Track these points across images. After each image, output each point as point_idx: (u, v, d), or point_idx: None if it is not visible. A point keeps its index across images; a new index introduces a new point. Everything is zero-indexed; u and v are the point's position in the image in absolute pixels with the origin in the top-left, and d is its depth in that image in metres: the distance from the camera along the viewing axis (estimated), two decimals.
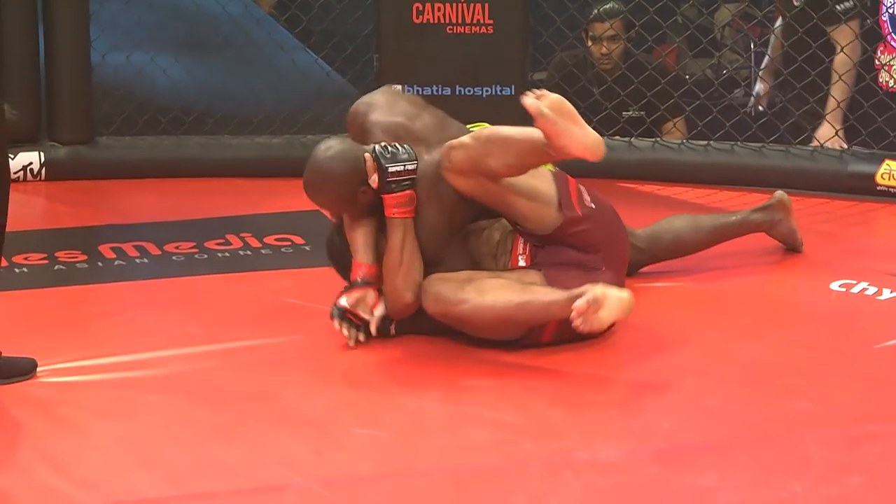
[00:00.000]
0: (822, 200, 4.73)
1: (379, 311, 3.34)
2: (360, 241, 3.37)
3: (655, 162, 5.01)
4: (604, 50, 5.14)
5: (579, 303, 3.07)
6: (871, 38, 4.97)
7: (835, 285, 3.75)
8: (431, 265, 3.34)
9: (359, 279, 3.34)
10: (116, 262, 4.06)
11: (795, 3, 4.94)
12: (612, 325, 3.25)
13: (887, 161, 4.76)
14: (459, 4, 4.92)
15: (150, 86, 5.28)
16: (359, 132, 3.44)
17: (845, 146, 4.84)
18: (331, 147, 3.34)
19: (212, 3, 5.41)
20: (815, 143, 4.89)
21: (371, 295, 3.34)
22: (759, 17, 5.51)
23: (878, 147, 4.85)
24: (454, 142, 3.26)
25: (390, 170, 3.25)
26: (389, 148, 3.28)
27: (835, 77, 4.90)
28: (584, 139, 3.15)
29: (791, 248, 4.01)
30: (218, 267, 4.03)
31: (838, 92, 4.89)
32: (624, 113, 5.17)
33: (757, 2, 5.66)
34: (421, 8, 4.95)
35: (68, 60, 5.07)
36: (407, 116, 3.45)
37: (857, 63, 4.87)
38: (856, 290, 3.73)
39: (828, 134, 4.90)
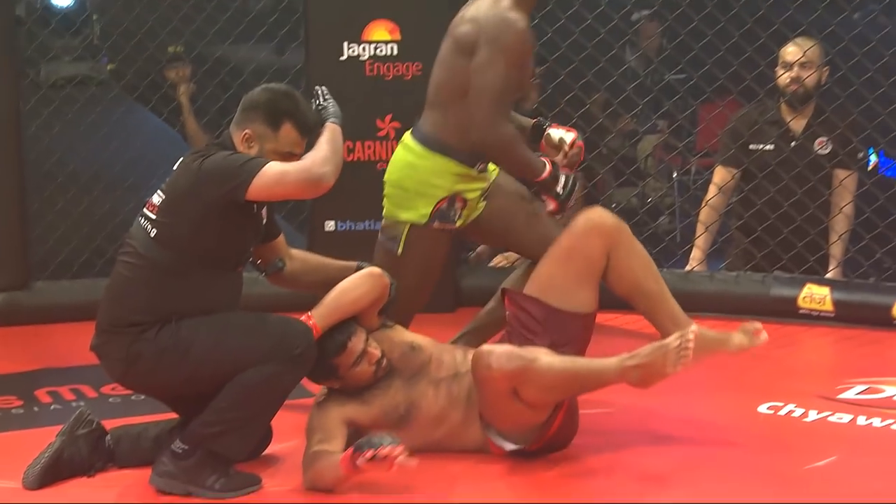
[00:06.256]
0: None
1: None
2: (329, 302, 3.41)
3: None
4: None
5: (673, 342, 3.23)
6: None
7: (762, 408, 3.81)
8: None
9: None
10: (53, 407, 4.03)
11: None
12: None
13: (809, 285, 4.87)
14: (389, 142, 5.00)
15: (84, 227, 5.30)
16: None
17: None
18: None
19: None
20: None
21: None
22: (679, 148, 5.64)
23: (798, 272, 4.96)
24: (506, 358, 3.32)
25: None
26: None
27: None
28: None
29: None
30: (155, 408, 3.99)
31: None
32: None
33: (678, 132, 5.80)
34: (351, 146, 5.03)
35: (2, 207, 5.05)
36: None
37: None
38: (783, 412, 3.79)
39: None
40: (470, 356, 3.49)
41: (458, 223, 3.78)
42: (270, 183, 3.19)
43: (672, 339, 3.27)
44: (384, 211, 3.85)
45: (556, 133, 3.91)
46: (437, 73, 3.75)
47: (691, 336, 3.24)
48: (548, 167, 3.70)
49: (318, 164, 3.22)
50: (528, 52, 3.69)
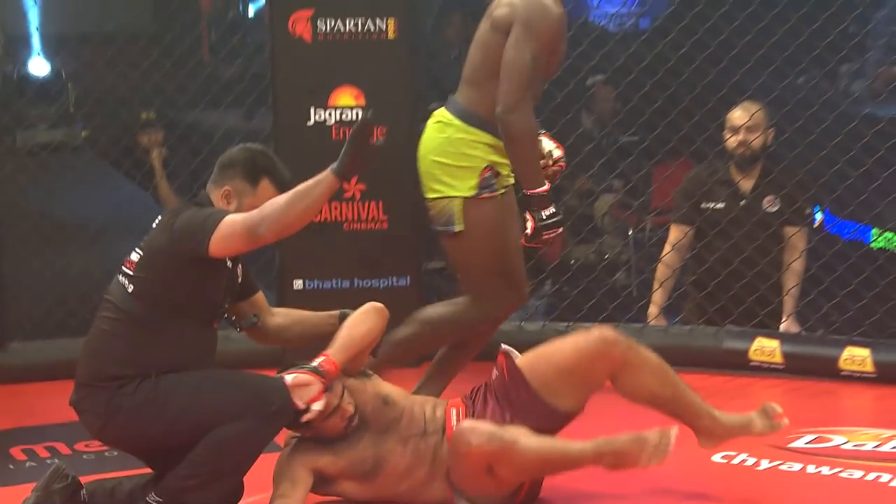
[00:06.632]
0: (701, 376, 4.82)
1: (317, 405, 3.29)
2: (342, 338, 3.38)
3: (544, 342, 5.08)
4: None
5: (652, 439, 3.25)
6: None
7: (716, 457, 3.84)
8: None
9: (315, 365, 3.31)
10: (28, 464, 4.03)
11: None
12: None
13: (759, 338, 4.93)
14: (356, 203, 5.03)
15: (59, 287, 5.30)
16: None
17: None
18: None
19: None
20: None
21: (316, 388, 3.29)
22: (634, 207, 5.71)
23: (749, 325, 5.02)
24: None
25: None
26: None
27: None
28: None
29: None
30: (128, 464, 3.99)
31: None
32: None
33: (633, 192, 5.87)
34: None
35: None
36: None
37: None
38: (736, 461, 3.83)
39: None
40: (439, 412, 3.51)
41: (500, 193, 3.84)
42: (224, 236, 3.20)
43: (652, 435, 3.30)
44: (427, 194, 3.89)
45: (548, 144, 3.98)
46: (474, 53, 3.84)
47: (672, 437, 3.27)
48: (546, 186, 3.73)
49: (257, 220, 3.17)
50: (561, 38, 3.77)
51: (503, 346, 3.60)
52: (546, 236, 3.76)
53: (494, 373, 3.55)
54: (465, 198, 3.81)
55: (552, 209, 3.75)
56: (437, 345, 4.09)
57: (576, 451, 3.34)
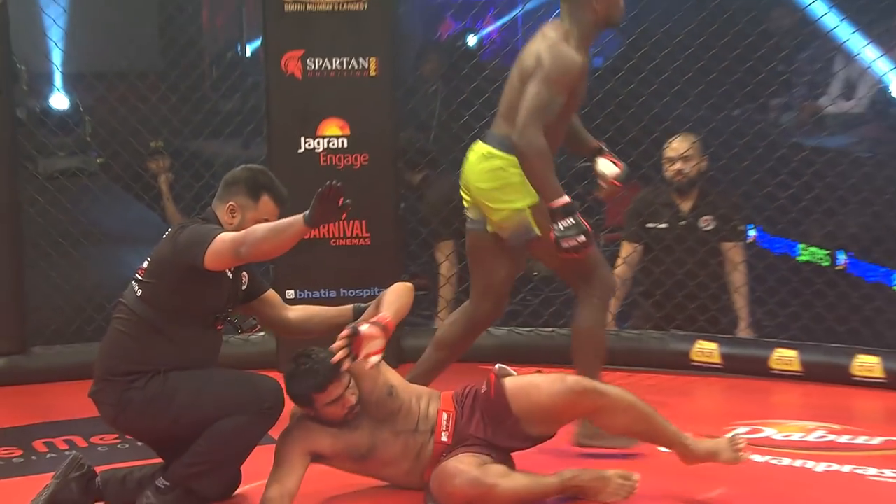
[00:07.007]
0: (648, 375, 4.91)
1: (374, 359, 3.25)
2: (387, 303, 3.36)
3: (509, 346, 5.14)
4: None
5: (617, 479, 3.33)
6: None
7: (662, 448, 3.87)
8: None
9: (383, 323, 3.28)
10: (49, 455, 4.05)
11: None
12: None
13: (699, 341, 5.00)
14: (341, 222, 5.06)
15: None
16: None
17: None
18: None
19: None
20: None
21: (380, 343, 3.26)
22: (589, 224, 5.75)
23: (691, 329, 5.09)
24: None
25: None
26: None
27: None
28: None
29: None
30: (138, 454, 4.02)
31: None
32: None
33: (587, 211, 5.92)
34: None
35: (4, 282, 5.02)
36: None
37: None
38: None
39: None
40: (432, 410, 3.50)
41: None
42: (216, 252, 3.24)
43: (614, 475, 3.37)
44: (494, 217, 3.86)
45: (603, 164, 4.00)
46: (507, 94, 3.90)
47: (635, 482, 3.35)
48: (563, 199, 3.68)
49: (241, 241, 3.22)
50: (581, 81, 3.82)
51: (498, 365, 3.59)
52: (566, 244, 3.69)
53: (483, 387, 3.54)
54: (532, 205, 3.80)
55: (570, 220, 3.69)
56: (601, 340, 3.98)
57: (545, 486, 3.39)
